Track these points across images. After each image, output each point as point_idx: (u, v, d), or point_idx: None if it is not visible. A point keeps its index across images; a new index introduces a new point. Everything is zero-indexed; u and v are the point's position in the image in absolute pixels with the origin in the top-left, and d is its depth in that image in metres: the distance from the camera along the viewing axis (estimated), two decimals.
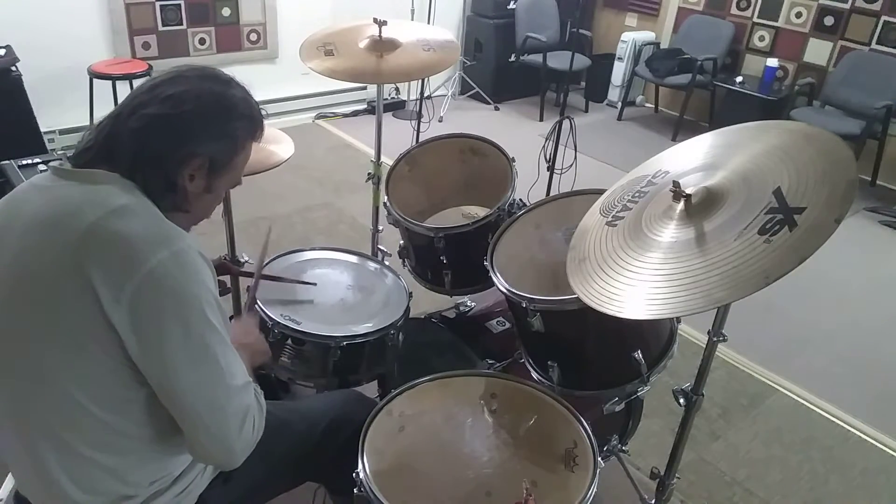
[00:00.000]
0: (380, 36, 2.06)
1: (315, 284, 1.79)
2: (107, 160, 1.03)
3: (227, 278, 2.05)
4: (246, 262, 2.28)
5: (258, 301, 1.65)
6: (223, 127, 1.08)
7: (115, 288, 0.93)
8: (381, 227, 2.39)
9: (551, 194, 2.05)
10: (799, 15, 4.70)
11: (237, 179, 1.17)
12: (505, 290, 1.54)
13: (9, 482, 1.22)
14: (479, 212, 2.04)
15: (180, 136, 1.04)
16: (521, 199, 1.95)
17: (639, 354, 1.47)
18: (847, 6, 4.45)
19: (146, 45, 4.10)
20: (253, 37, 4.52)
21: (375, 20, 2.08)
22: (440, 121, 4.98)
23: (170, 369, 0.97)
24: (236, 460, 1.08)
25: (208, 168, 1.08)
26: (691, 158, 1.30)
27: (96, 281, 0.93)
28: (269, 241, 1.70)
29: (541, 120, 5.25)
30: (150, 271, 0.94)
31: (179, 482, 1.13)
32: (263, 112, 1.16)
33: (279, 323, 1.60)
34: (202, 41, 4.32)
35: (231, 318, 1.55)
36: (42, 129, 3.49)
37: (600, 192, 1.47)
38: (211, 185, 1.10)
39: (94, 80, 3.71)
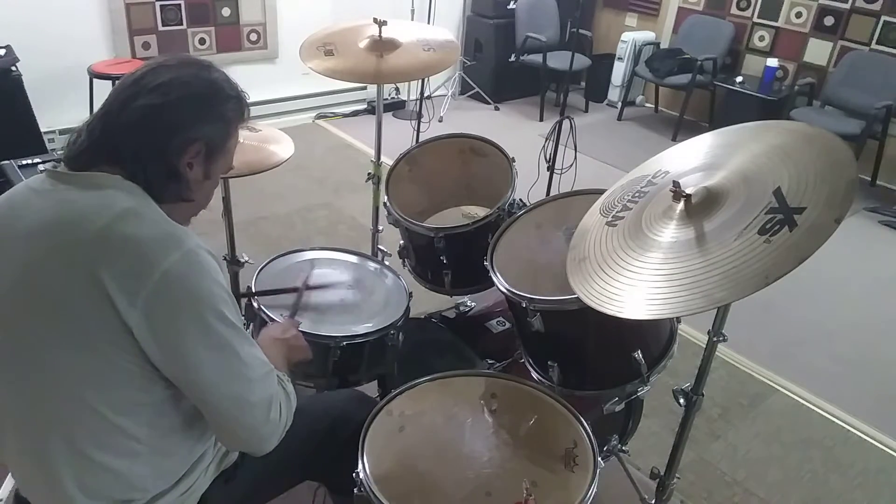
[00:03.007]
0: (380, 36, 2.06)
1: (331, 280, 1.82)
2: (107, 160, 1.03)
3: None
4: (246, 261, 2.29)
5: (257, 300, 1.65)
6: (215, 110, 1.08)
7: (130, 293, 0.93)
8: (381, 227, 2.39)
9: (551, 194, 2.04)
10: (799, 15, 4.70)
11: (230, 163, 1.18)
12: (505, 290, 1.54)
13: (9, 482, 1.22)
14: (479, 212, 2.03)
15: (176, 123, 1.04)
16: (521, 199, 1.95)
17: (639, 354, 1.47)
18: (847, 6, 4.45)
19: (146, 45, 4.10)
20: (253, 37, 4.52)
21: (375, 20, 2.08)
22: (440, 121, 4.98)
23: (191, 367, 0.99)
24: (267, 446, 1.11)
25: (205, 154, 1.08)
26: (691, 158, 1.30)
27: (110, 287, 0.93)
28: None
29: (541, 120, 5.25)
30: (163, 274, 0.94)
31: (182, 483, 1.13)
32: (246, 95, 1.16)
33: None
34: (202, 41, 4.32)
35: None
36: (42, 129, 3.50)
37: (600, 192, 1.47)
38: (209, 171, 1.11)
39: (94, 80, 3.70)
